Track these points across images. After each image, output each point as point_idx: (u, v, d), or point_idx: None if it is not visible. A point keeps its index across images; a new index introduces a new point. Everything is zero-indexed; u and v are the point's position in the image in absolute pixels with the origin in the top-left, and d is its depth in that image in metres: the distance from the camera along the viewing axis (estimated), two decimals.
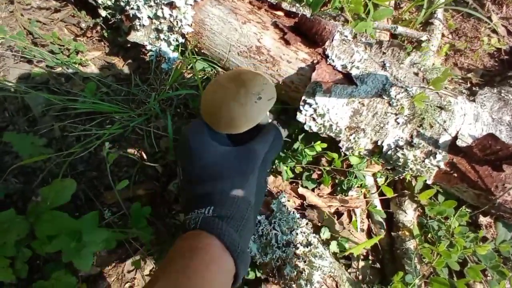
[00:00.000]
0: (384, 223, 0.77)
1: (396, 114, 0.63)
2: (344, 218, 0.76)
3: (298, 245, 0.61)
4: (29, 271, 0.64)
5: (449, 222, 0.74)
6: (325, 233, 0.69)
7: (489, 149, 0.57)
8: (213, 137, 0.48)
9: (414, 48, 0.89)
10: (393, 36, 0.89)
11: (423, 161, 0.61)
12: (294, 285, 0.59)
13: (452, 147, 0.62)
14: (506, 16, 1.22)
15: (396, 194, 0.76)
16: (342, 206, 0.75)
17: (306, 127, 0.64)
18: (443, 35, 1.07)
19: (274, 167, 0.77)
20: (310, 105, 0.62)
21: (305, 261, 0.60)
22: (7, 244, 0.59)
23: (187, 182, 0.46)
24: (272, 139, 0.49)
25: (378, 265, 0.76)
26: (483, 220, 0.88)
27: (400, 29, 0.80)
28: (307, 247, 0.61)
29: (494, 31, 1.15)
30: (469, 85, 0.97)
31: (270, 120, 0.53)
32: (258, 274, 0.67)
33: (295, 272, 0.59)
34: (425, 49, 0.87)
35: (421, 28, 0.93)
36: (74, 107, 0.72)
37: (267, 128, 0.51)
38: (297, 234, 0.62)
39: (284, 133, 0.73)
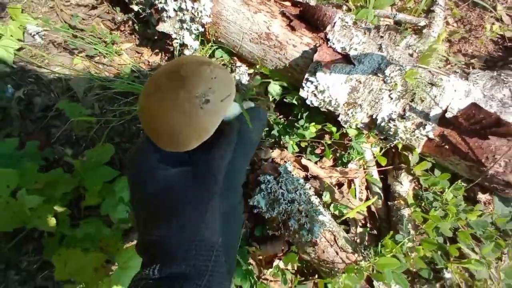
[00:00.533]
0: (382, 194, 0.84)
1: (390, 90, 0.70)
2: (344, 188, 0.84)
3: (301, 202, 0.70)
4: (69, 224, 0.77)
5: (444, 195, 0.80)
6: (327, 196, 0.77)
7: (473, 118, 0.63)
8: (164, 155, 0.35)
9: (416, 35, 0.95)
10: (397, 23, 0.96)
11: (413, 132, 0.68)
12: (297, 236, 0.68)
13: (442, 119, 0.69)
14: (511, 6, 1.24)
15: (393, 167, 0.83)
16: (342, 177, 0.83)
17: (308, 102, 0.73)
18: (448, 23, 1.12)
19: (281, 142, 0.86)
20: (312, 82, 0.71)
21: (307, 216, 0.69)
22: (54, 198, 0.72)
23: (137, 228, 0.35)
24: (234, 139, 0.36)
25: (375, 232, 0.83)
26: (482, 197, 0.93)
27: (400, 16, 0.86)
28: (309, 205, 0.70)
29: (499, 19, 1.17)
30: (471, 69, 1.01)
31: (235, 112, 0.39)
32: (265, 232, 0.76)
33: (298, 225, 0.68)
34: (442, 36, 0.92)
35: (424, 16, 0.98)
36: (111, 87, 0.85)
37: (228, 128, 0.37)
38: (300, 194, 0.71)
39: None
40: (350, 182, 0.85)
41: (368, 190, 0.85)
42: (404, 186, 0.80)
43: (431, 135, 0.68)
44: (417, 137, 0.68)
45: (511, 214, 0.87)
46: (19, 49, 1.03)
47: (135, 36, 1.04)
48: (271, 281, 0.75)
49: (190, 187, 0.33)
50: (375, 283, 0.69)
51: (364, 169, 0.84)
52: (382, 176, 0.87)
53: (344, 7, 0.85)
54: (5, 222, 0.59)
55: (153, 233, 0.32)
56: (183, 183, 0.33)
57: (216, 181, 0.33)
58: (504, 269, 0.68)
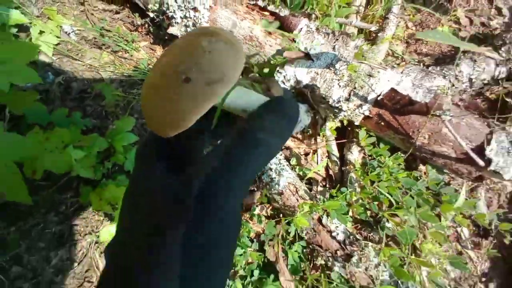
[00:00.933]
0: (338, 162, 1.08)
1: (339, 80, 0.94)
2: (309, 156, 1.08)
3: (272, 163, 0.94)
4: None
5: (386, 163, 1.04)
6: (293, 160, 1.02)
7: (393, 99, 0.86)
8: (163, 151, 0.29)
9: (374, 37, 1.18)
10: (360, 28, 1.18)
11: (354, 110, 0.92)
12: (268, 187, 0.93)
13: (377, 102, 0.92)
14: (473, 8, 1.45)
15: (347, 141, 1.07)
16: (308, 148, 1.07)
17: None
18: (407, 27, 1.34)
19: None
20: (281, 73, 0.95)
21: (276, 172, 0.93)
22: (91, 154, 0.98)
23: None
24: (224, 150, 0.26)
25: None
26: (423, 168, 1.16)
27: (356, 23, 1.09)
28: (278, 165, 0.94)
29: (458, 22, 1.39)
30: (421, 66, 1.23)
31: (242, 103, 0.29)
32: None
33: (269, 179, 0.93)
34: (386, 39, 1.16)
35: (382, 21, 1.20)
36: (131, 76, 1.10)
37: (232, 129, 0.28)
38: None
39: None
40: (315, 152, 1.09)
41: (328, 159, 1.09)
42: (354, 155, 1.04)
43: (366, 113, 0.92)
44: (356, 114, 0.92)
45: (443, 180, 1.10)
46: (57, 44, 1.30)
47: (150, 36, 1.29)
48: (249, 222, 1.00)
49: (162, 209, 0.25)
50: (323, 221, 0.93)
51: (326, 142, 1.08)
52: (340, 153, 1.11)
53: (313, 15, 1.09)
54: (59, 165, 0.85)
55: (108, 245, 0.28)
56: (159, 198, 0.26)
57: (186, 206, 0.24)
58: (420, 211, 0.91)
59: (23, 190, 0.65)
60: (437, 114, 0.83)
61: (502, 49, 1.23)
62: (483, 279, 1.15)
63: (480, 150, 0.90)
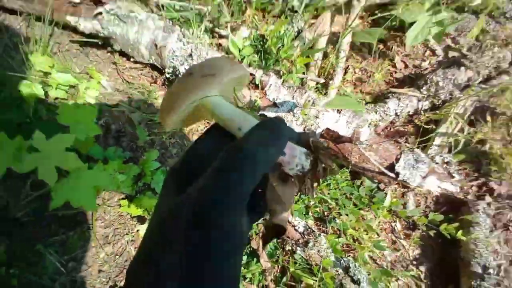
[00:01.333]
0: None
1: (296, 120, 1.38)
2: None
3: None
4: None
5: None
6: None
7: (329, 134, 1.29)
8: (178, 182, 0.31)
9: (327, 84, 1.63)
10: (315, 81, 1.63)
11: None
12: None
13: (322, 135, 1.35)
14: (408, 53, 1.90)
15: None
16: None
17: None
18: (355, 72, 1.79)
19: None
20: None
21: None
22: (129, 178, 1.42)
23: None
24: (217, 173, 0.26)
25: None
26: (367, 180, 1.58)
27: (310, 78, 1.54)
28: None
29: (395, 66, 1.83)
30: (364, 102, 1.67)
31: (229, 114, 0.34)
32: None
33: None
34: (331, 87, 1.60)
35: (333, 72, 1.65)
36: (153, 119, 1.56)
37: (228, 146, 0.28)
38: None
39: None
40: None
41: None
42: None
43: None
44: None
45: (377, 187, 1.51)
46: (98, 95, 1.77)
47: (165, 87, 1.76)
48: None
49: (159, 226, 0.28)
50: (290, 219, 1.35)
51: None
52: None
53: (281, 72, 1.54)
54: (112, 185, 1.29)
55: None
56: (161, 216, 0.29)
57: (179, 224, 0.25)
58: (349, 208, 1.32)
59: (94, 203, 1.09)
60: (357, 144, 1.26)
61: (424, 88, 1.66)
62: (415, 262, 1.54)
63: (392, 166, 1.32)
